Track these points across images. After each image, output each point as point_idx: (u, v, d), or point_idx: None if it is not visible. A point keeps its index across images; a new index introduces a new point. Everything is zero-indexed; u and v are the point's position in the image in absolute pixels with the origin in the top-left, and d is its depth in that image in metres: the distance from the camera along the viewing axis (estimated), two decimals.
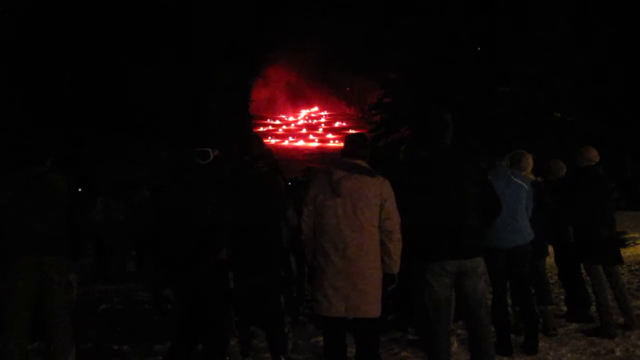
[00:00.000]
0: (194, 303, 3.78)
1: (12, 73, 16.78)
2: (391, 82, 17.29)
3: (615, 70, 17.40)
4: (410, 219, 3.38)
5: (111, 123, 19.18)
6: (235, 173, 4.19)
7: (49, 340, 3.61)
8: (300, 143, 41.75)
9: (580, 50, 14.81)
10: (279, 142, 40.85)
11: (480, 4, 14.45)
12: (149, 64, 20.51)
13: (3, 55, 16.67)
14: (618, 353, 4.35)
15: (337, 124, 49.95)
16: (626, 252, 9.31)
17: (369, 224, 3.31)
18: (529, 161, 4.87)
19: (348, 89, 56.30)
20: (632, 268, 8.40)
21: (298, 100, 58.02)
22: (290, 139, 43.12)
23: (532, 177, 4.91)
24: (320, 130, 46.92)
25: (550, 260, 5.42)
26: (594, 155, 5.00)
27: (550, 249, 5.42)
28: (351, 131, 29.50)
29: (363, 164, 3.43)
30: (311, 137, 43.84)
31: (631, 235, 11.95)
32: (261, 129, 44.09)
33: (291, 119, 54.40)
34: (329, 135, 44.08)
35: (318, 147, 39.79)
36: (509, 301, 4.65)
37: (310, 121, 53.63)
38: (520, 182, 4.49)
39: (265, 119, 49.78)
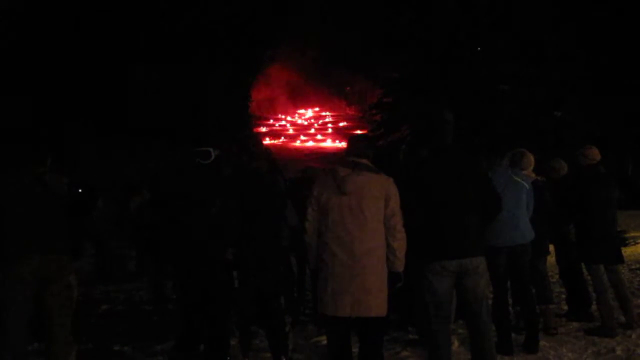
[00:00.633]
0: (200, 303, 3.78)
1: (13, 73, 16.78)
2: (391, 81, 17.28)
3: (616, 68, 17.39)
4: (411, 218, 3.38)
5: (111, 123, 19.18)
6: (234, 173, 4.19)
7: (50, 341, 3.61)
8: (300, 143, 41.73)
9: (580, 49, 14.80)
10: (278, 142, 40.82)
11: (480, 3, 14.44)
12: (148, 63, 20.51)
13: (3, 54, 16.67)
14: (619, 352, 4.34)
15: (337, 124, 49.93)
16: (627, 251, 9.30)
17: (374, 221, 3.31)
18: (530, 160, 4.86)
19: (348, 88, 56.28)
20: (633, 267, 8.40)
21: (298, 100, 57.99)
22: (291, 138, 43.11)
23: (533, 176, 4.90)
24: (315, 131, 46.90)
25: (551, 259, 5.42)
26: (595, 154, 5.00)
27: (551, 248, 5.41)
28: (358, 132, 29.50)
29: (367, 162, 3.45)
30: (311, 137, 43.82)
31: (632, 234, 11.96)
32: (262, 129, 44.09)
33: (289, 118, 54.39)
34: (329, 136, 44.06)
35: (317, 147, 39.76)
36: (510, 300, 4.65)
37: (310, 121, 53.61)
38: (521, 181, 4.49)
39: (266, 119, 49.76)
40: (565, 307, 5.65)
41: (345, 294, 3.26)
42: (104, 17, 20.05)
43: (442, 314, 3.37)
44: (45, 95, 17.76)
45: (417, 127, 9.10)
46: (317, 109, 58.52)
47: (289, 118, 54.63)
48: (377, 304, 3.30)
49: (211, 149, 3.96)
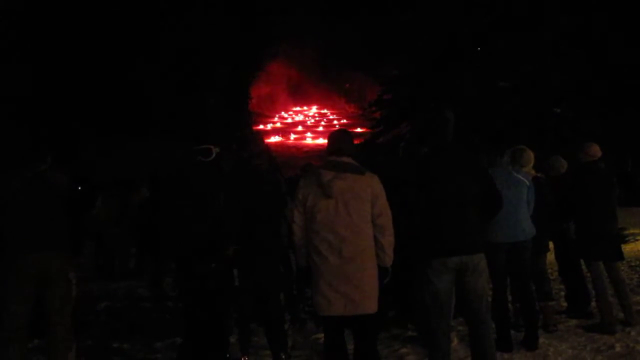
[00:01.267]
0: (201, 300, 3.78)
1: (14, 71, 16.76)
2: (391, 78, 17.26)
3: (616, 65, 17.35)
4: (411, 216, 3.38)
5: (110, 121, 19.17)
6: (234, 170, 4.19)
7: (50, 338, 3.62)
8: (300, 140, 41.71)
9: (580, 46, 14.78)
10: (279, 139, 40.81)
11: (480, 2, 14.41)
12: (148, 62, 20.49)
13: (4, 53, 16.66)
14: (618, 349, 4.35)
15: (337, 121, 49.89)
16: (626, 248, 9.31)
17: (362, 222, 3.30)
18: (530, 157, 4.86)
19: (348, 85, 56.24)
20: (633, 264, 8.40)
21: (298, 97, 57.97)
22: (291, 136, 43.09)
23: (533, 173, 4.90)
24: (315, 128, 46.88)
25: (550, 256, 5.42)
26: (595, 151, 4.99)
27: (551, 245, 5.41)
28: (361, 130, 29.35)
29: (350, 161, 3.40)
30: (311, 134, 43.79)
31: (631, 231, 11.95)
32: (261, 126, 44.07)
33: (289, 115, 54.35)
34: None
35: (318, 144, 39.72)
36: (509, 297, 4.65)
37: (310, 118, 53.59)
38: (521, 178, 4.49)
39: (266, 116, 49.76)
40: (565, 304, 5.65)
41: (337, 294, 3.26)
42: (103, 17, 20.03)
43: (441, 312, 3.37)
44: (45, 95, 17.75)
45: (417, 125, 9.09)
46: (316, 107, 58.50)
47: (288, 115, 54.62)
48: (369, 302, 3.30)
49: (212, 146, 3.95)
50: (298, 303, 5.79)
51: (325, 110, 57.09)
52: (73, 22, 19.15)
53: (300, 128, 46.85)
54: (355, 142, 3.74)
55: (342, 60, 51.41)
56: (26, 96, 16.72)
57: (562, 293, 5.99)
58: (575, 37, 14.87)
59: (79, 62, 19.20)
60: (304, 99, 58.65)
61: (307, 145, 39.48)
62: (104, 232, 9.01)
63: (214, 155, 3.94)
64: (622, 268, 6.16)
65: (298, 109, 57.71)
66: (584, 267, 5.27)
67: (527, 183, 4.51)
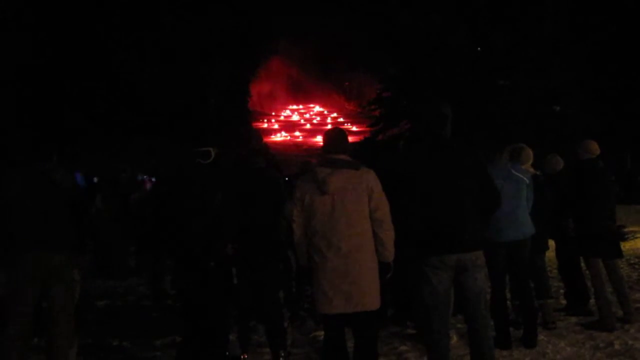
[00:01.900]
0: (200, 299, 3.79)
1: (17, 71, 16.76)
2: (390, 76, 17.26)
3: (615, 63, 17.35)
4: (410, 213, 3.37)
5: (110, 120, 19.18)
6: (233, 168, 4.19)
7: (52, 336, 3.61)
8: (300, 138, 41.70)
9: (579, 43, 14.77)
10: (279, 137, 40.79)
11: (478, 1, 14.41)
12: (148, 61, 20.48)
13: (7, 52, 16.65)
14: (617, 346, 4.35)
15: (336, 119, 49.85)
16: (625, 246, 9.29)
17: (360, 217, 3.31)
18: (529, 154, 4.86)
19: (347, 83, 56.23)
20: (632, 262, 8.41)
21: (298, 95, 57.97)
22: (290, 134, 43.05)
23: (532, 170, 4.90)
24: (314, 126, 46.82)
25: (549, 253, 5.42)
26: (594, 148, 4.99)
27: (550, 242, 5.42)
28: (357, 129, 29.38)
29: (345, 157, 3.42)
30: (310, 132, 43.76)
31: (630, 228, 11.93)
32: (262, 124, 44.06)
33: (289, 114, 54.31)
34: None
35: (316, 142, 39.71)
36: (508, 295, 4.65)
37: (310, 116, 53.55)
38: (520, 175, 4.48)
39: (266, 114, 49.74)
40: (564, 302, 5.65)
41: (338, 292, 3.27)
42: (104, 17, 20.01)
43: (440, 310, 3.36)
44: (46, 95, 17.75)
45: (415, 121, 9.08)
46: (316, 104, 58.47)
47: (289, 112, 54.59)
48: (370, 299, 3.31)
49: (211, 149, 3.97)
50: (297, 300, 5.80)
51: (324, 110, 57.06)
52: (74, 22, 19.14)
53: (302, 122, 46.83)
54: (350, 140, 3.75)
55: (342, 57, 51.40)
56: (29, 94, 16.70)
57: (561, 290, 5.99)
58: (575, 34, 14.87)
59: (79, 62, 19.20)
60: (304, 97, 58.64)
61: (307, 143, 39.49)
62: (104, 230, 8.99)
63: (212, 157, 3.95)
64: (621, 266, 6.15)
65: (298, 107, 57.69)
66: (583, 264, 5.28)
67: (527, 181, 4.51)
